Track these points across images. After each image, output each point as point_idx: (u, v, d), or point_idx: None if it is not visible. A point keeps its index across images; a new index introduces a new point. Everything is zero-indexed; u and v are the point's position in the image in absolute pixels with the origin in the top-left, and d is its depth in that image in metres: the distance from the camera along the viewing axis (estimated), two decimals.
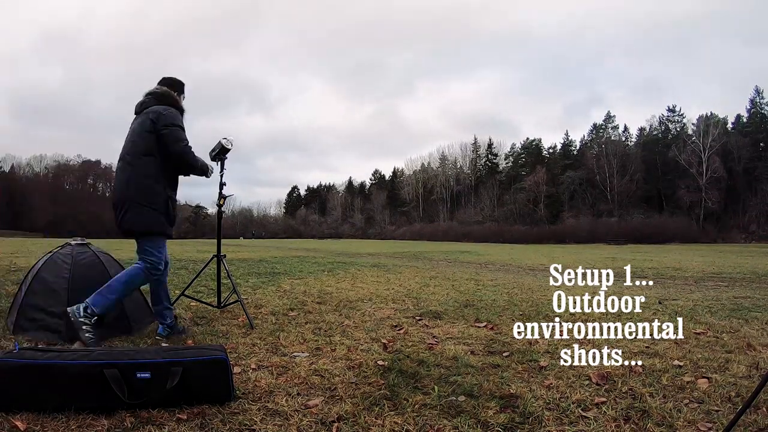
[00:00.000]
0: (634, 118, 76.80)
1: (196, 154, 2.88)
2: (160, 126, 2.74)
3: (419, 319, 3.58)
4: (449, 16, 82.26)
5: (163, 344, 2.72)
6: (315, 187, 74.59)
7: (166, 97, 2.88)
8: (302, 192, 75.42)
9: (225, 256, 3.58)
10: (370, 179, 74.46)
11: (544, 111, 79.68)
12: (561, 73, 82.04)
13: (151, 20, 66.96)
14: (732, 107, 70.70)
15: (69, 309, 2.53)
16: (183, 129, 2.83)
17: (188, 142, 2.83)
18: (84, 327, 2.48)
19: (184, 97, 3.07)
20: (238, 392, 1.92)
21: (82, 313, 2.51)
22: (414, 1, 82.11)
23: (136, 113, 2.90)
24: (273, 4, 78.04)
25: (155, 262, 2.82)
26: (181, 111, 2.93)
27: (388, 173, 72.87)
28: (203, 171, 2.98)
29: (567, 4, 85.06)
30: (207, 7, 69.33)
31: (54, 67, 64.94)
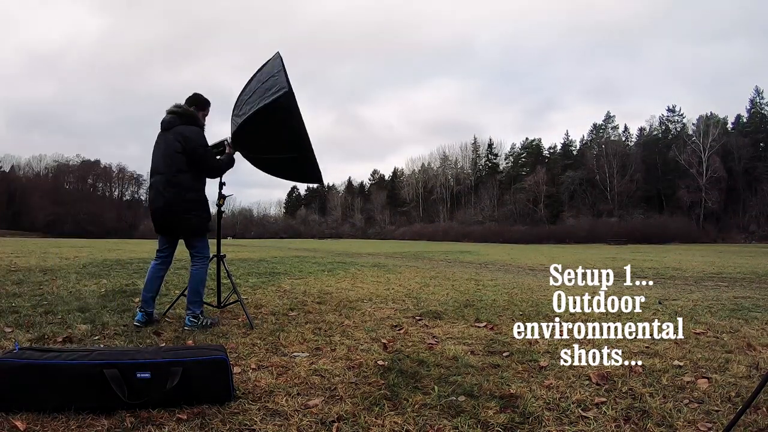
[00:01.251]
0: (589, 119, 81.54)
1: (217, 161, 3.27)
2: (188, 148, 3.12)
3: (419, 319, 3.58)
4: (386, 30, 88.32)
5: (161, 344, 2.71)
6: (315, 187, 74.56)
7: (188, 117, 3.21)
8: (302, 192, 75.49)
9: (225, 256, 3.58)
10: (370, 179, 74.57)
11: (504, 115, 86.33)
12: (513, 79, 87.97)
13: (122, 41, 77.07)
14: (685, 104, 75.85)
15: (187, 327, 3.11)
16: (206, 146, 3.20)
17: (213, 158, 3.23)
18: (205, 324, 3.12)
19: (206, 114, 3.38)
20: (238, 392, 1.92)
21: (196, 322, 3.12)
22: (352, 16, 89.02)
23: (163, 130, 3.22)
24: (229, 22, 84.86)
25: (205, 254, 3.29)
26: (201, 127, 3.26)
27: (387, 173, 73.02)
28: (226, 169, 3.36)
29: (504, 15, 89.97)
30: (170, 28, 78.13)
31: (44, 82, 76.25)
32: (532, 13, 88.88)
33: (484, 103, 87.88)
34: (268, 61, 3.26)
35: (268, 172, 3.63)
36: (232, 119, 3.36)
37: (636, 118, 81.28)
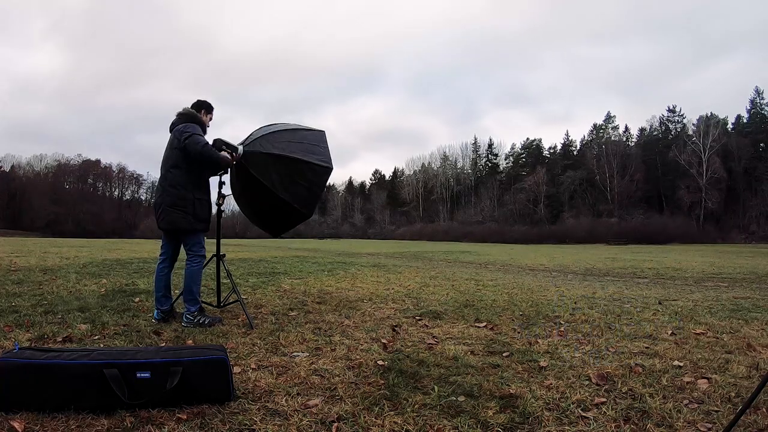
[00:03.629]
0: (511, 123, 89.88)
1: (204, 147, 3.23)
2: (182, 140, 3.20)
3: (419, 319, 3.58)
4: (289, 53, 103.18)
5: (161, 345, 2.72)
6: None
7: (188, 116, 3.34)
8: None
9: (225, 256, 3.58)
10: (371, 179, 74.65)
11: (434, 122, 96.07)
12: (429, 92, 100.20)
13: (85, 69, 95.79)
14: (599, 104, 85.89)
15: (184, 324, 3.17)
16: (201, 135, 3.26)
17: (206, 143, 3.23)
18: (202, 322, 3.15)
19: (211, 117, 3.53)
20: (238, 392, 1.92)
21: (192, 319, 3.16)
22: (267, 45, 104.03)
23: (170, 132, 3.37)
24: (162, 53, 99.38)
25: (197, 252, 3.31)
26: (201, 125, 3.36)
27: (388, 173, 73.12)
28: (219, 165, 3.33)
29: (410, 38, 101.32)
30: (115, 60, 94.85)
31: (32, 103, 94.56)
32: (433, 33, 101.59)
33: (412, 114, 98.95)
34: (314, 129, 3.70)
35: (241, 206, 3.73)
36: (258, 139, 3.45)
37: (560, 120, 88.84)
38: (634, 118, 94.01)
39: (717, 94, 72.94)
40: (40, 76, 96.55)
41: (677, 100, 72.88)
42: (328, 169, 3.55)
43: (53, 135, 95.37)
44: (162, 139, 3.42)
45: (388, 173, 73.71)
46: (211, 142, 3.32)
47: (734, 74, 72.76)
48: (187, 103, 3.50)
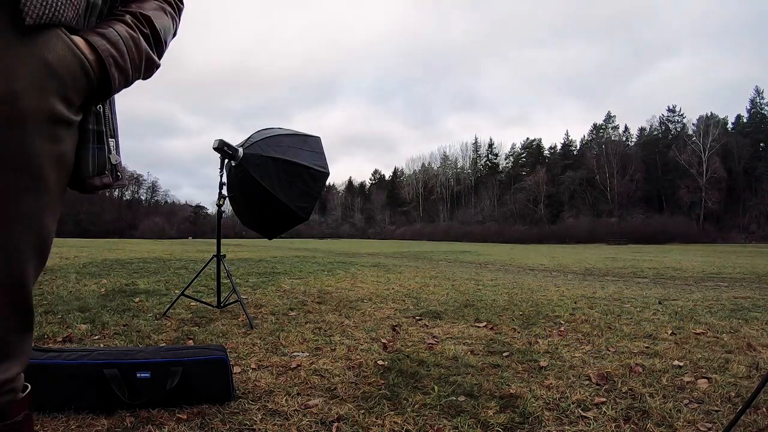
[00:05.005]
0: (471, 125, 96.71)
1: None
2: None
3: (419, 319, 3.58)
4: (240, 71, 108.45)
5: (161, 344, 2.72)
6: None
7: None
8: None
9: (225, 256, 3.58)
10: (371, 179, 74.70)
11: (397, 130, 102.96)
12: (387, 99, 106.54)
13: None
14: (550, 105, 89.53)
15: None
16: None
17: None
18: None
19: None
20: (238, 392, 1.92)
21: None
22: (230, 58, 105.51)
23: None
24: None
25: None
26: None
27: (388, 173, 73.17)
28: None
29: (365, 52, 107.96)
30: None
31: None
32: (385, 47, 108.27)
33: (376, 120, 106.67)
34: (311, 135, 3.80)
35: (237, 207, 3.74)
36: (257, 142, 3.46)
37: (517, 121, 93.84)
38: (587, 119, 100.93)
39: (674, 94, 77.31)
40: None
41: (626, 100, 76.70)
42: (326, 174, 3.68)
43: None
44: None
45: (388, 173, 73.91)
46: (214, 144, 3.23)
47: (682, 74, 78.06)
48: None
